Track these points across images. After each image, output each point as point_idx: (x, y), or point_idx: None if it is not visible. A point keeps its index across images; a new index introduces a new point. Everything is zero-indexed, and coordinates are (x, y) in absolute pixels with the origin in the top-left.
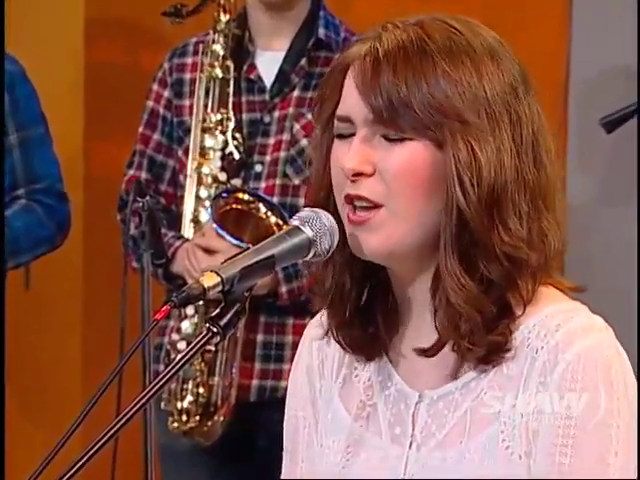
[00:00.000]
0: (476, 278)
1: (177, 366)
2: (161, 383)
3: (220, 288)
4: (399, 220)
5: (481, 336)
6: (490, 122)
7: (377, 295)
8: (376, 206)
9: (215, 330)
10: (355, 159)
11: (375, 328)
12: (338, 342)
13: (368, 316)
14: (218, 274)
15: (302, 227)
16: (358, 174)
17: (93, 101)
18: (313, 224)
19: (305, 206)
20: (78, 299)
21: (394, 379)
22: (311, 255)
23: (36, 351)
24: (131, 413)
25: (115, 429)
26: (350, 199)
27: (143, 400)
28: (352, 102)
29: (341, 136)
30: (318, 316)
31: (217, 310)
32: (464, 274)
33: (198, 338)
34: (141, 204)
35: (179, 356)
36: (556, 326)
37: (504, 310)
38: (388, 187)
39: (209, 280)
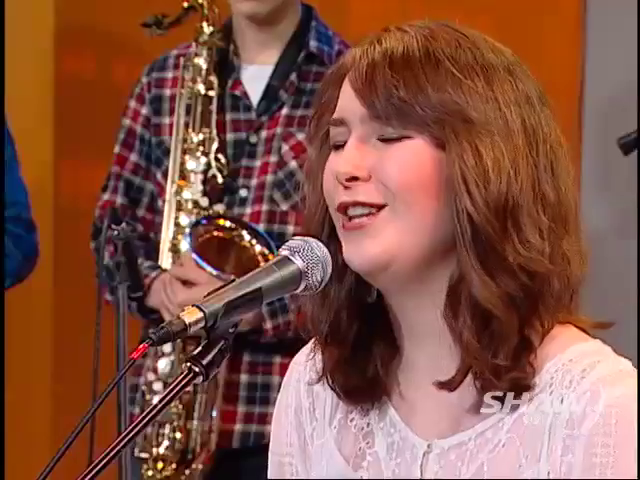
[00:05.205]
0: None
1: (155, 410)
2: (138, 428)
3: (203, 324)
4: (401, 222)
5: (505, 368)
6: (502, 125)
7: (376, 335)
8: (377, 208)
9: (197, 370)
10: (350, 162)
11: (374, 371)
12: (333, 389)
13: (367, 358)
14: (201, 309)
15: (292, 257)
16: (353, 179)
17: (63, 118)
18: (304, 254)
19: (297, 234)
20: (47, 336)
21: (397, 425)
22: (302, 288)
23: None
24: (105, 461)
25: (88, 479)
26: (345, 207)
27: (118, 447)
28: (346, 103)
29: (336, 146)
30: (305, 354)
31: (199, 348)
32: (490, 278)
33: (178, 379)
34: (116, 232)
35: (157, 399)
36: (582, 372)
37: (524, 343)
38: (388, 189)
39: (191, 315)
